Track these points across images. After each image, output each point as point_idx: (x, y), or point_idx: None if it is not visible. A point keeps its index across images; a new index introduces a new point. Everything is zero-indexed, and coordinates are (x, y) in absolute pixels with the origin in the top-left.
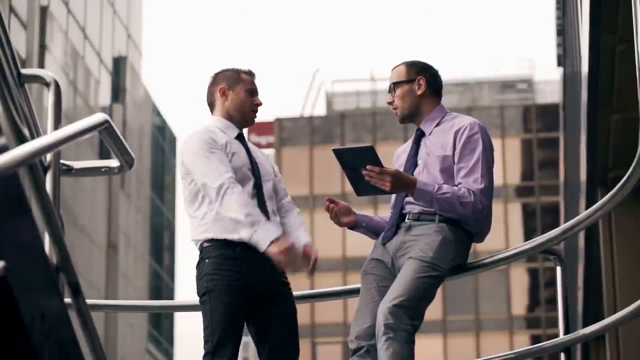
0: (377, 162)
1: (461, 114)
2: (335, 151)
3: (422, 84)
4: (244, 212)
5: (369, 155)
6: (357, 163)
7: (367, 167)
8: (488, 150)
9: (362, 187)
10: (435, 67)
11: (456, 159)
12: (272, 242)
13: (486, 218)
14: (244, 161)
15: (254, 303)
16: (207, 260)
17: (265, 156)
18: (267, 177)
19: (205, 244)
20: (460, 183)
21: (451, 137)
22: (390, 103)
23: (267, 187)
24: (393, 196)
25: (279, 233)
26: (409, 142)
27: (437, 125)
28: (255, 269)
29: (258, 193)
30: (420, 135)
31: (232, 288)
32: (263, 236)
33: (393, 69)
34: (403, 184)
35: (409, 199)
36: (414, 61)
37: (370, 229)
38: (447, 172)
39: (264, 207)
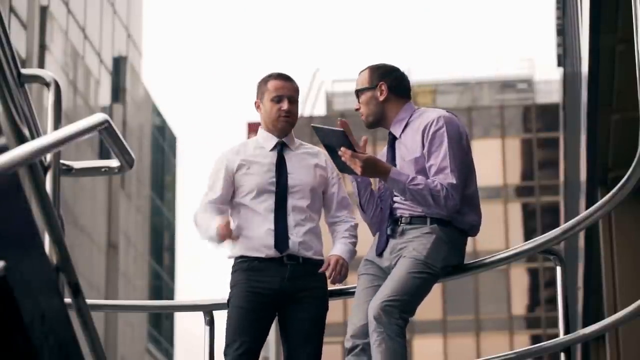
0: (350, 145)
1: (428, 109)
2: (315, 129)
3: (384, 89)
4: (200, 232)
5: (342, 139)
6: (333, 143)
7: (341, 149)
8: (455, 141)
9: (342, 166)
10: (400, 68)
11: (426, 158)
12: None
13: (472, 208)
14: (262, 178)
15: (272, 309)
16: (231, 275)
17: (311, 162)
18: (298, 187)
19: (232, 261)
20: (434, 180)
21: (419, 136)
22: (357, 109)
23: (295, 199)
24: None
25: (220, 221)
26: (385, 149)
27: (406, 125)
28: (267, 278)
29: (279, 206)
30: (393, 139)
31: (241, 293)
32: (208, 231)
33: (359, 74)
34: (376, 170)
35: (396, 204)
36: (377, 66)
37: (363, 186)
38: (423, 173)
39: (285, 220)
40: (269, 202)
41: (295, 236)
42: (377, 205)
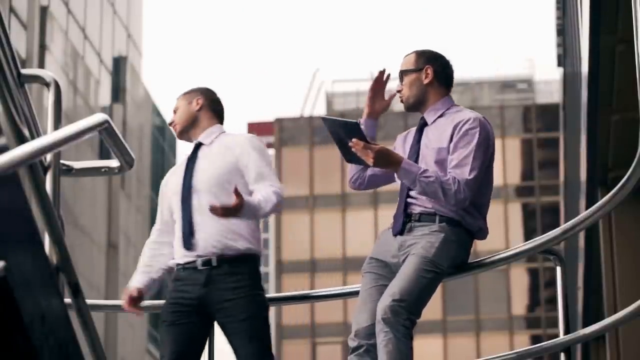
0: (362, 137)
1: (466, 109)
2: (324, 119)
3: (430, 73)
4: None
5: (355, 130)
6: (343, 135)
7: (353, 140)
8: (483, 145)
9: (350, 156)
10: (448, 58)
11: (451, 150)
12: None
13: (482, 214)
14: (173, 191)
15: (201, 319)
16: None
17: (229, 144)
18: (203, 184)
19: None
20: (450, 172)
21: (450, 129)
22: (399, 91)
23: (199, 198)
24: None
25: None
26: (413, 130)
27: (441, 116)
28: (189, 288)
29: (183, 211)
30: (424, 124)
31: (165, 306)
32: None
33: (404, 57)
34: (388, 161)
35: (409, 199)
36: (424, 50)
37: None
38: (442, 164)
39: (190, 222)
40: (176, 213)
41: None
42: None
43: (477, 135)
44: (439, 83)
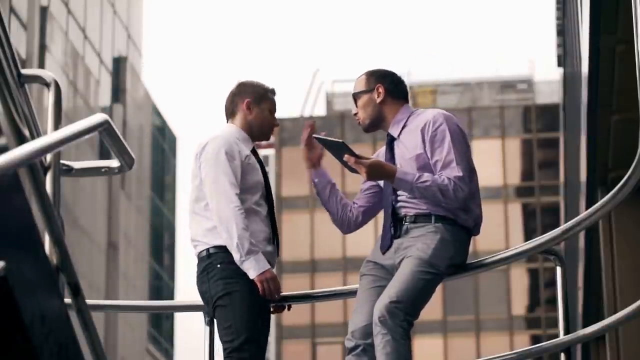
0: (351, 152)
1: (426, 110)
2: (317, 139)
3: (381, 92)
4: (245, 239)
5: (343, 148)
6: (334, 153)
7: (345, 156)
8: (456, 136)
9: (351, 167)
10: (397, 73)
11: (429, 155)
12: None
13: (475, 205)
14: (259, 177)
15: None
16: (219, 265)
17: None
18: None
19: (213, 250)
20: (441, 175)
21: (419, 135)
22: (355, 114)
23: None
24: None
25: (268, 266)
26: (383, 149)
27: (404, 127)
28: None
29: (270, 216)
30: (391, 140)
31: (253, 290)
32: (255, 265)
33: (356, 80)
34: (381, 172)
35: (400, 202)
36: (373, 70)
37: (321, 187)
38: (425, 169)
39: (275, 230)
40: (264, 209)
41: (276, 245)
42: (341, 202)
43: (446, 130)
44: (393, 98)
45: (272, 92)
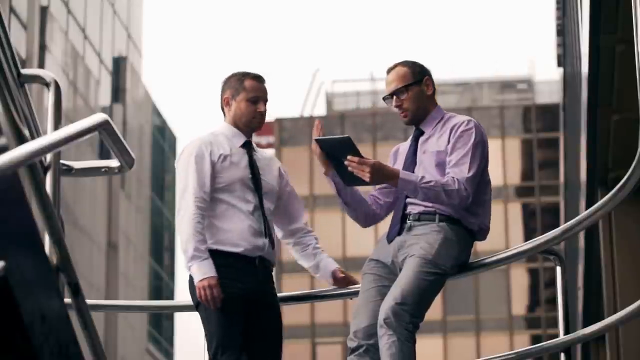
0: (356, 152)
1: (459, 114)
2: (317, 140)
3: (430, 84)
4: (190, 244)
5: (348, 146)
6: (338, 153)
7: (348, 157)
8: (480, 146)
9: (349, 178)
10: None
11: (449, 152)
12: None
13: (483, 212)
14: (242, 173)
15: (248, 310)
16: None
17: (272, 161)
18: (269, 189)
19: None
20: (448, 173)
21: (447, 133)
22: (398, 106)
23: (269, 202)
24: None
25: (211, 273)
26: (408, 141)
27: (436, 125)
28: (249, 278)
29: (260, 210)
30: (419, 134)
31: (228, 296)
32: (197, 270)
33: (390, 71)
34: (385, 175)
35: (411, 199)
36: (413, 61)
37: (341, 186)
38: (441, 167)
39: (266, 224)
40: (249, 204)
41: (269, 238)
42: (360, 198)
43: (473, 136)
44: (434, 93)
45: (251, 77)
